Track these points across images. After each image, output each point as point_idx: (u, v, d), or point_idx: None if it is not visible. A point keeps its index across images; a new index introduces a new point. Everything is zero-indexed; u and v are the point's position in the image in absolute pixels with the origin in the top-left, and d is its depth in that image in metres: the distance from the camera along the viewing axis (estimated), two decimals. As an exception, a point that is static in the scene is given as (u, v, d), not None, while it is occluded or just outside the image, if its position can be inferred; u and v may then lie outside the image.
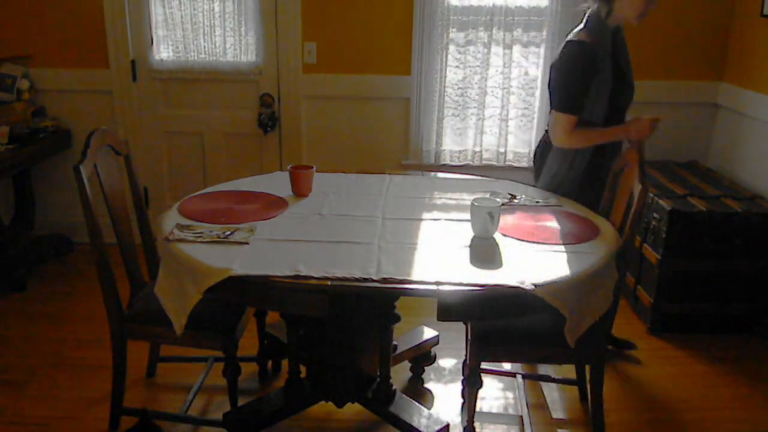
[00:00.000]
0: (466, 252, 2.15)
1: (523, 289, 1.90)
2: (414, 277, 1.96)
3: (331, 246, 2.15)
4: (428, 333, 2.90)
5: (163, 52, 3.97)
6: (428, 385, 2.88)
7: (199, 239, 2.14)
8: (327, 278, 1.93)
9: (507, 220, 2.38)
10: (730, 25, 3.90)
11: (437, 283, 1.93)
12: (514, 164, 4.08)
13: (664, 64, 3.95)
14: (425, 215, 2.47)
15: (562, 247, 2.19)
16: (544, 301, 1.92)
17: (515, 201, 2.61)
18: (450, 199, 2.66)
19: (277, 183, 2.70)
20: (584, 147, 2.68)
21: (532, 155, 4.05)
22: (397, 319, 2.41)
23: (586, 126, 2.65)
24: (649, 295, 3.36)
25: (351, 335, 2.38)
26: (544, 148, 2.87)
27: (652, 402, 2.80)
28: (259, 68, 3.97)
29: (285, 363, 2.78)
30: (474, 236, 2.26)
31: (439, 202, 2.63)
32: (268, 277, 1.93)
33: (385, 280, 1.93)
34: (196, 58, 3.93)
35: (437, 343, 2.92)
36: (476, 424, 2.42)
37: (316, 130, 4.09)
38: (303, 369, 2.52)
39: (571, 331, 2.08)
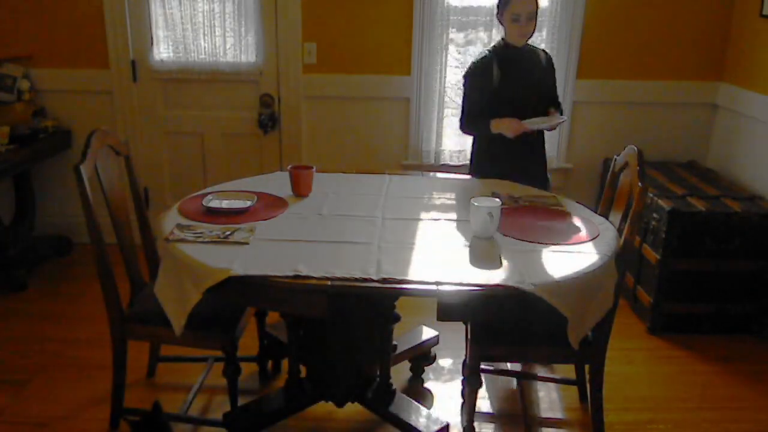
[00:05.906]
0: (466, 252, 2.15)
1: (522, 289, 1.91)
2: (414, 277, 1.96)
3: (331, 246, 2.15)
4: (428, 333, 2.90)
5: (163, 53, 3.97)
6: (428, 385, 2.88)
7: (199, 239, 2.14)
8: (327, 278, 1.93)
9: (507, 220, 2.38)
10: (730, 25, 3.90)
11: (437, 283, 1.93)
12: (514, 164, 4.07)
13: (664, 64, 3.95)
14: (425, 215, 2.47)
15: (562, 247, 2.19)
16: (544, 301, 1.93)
17: (515, 201, 2.61)
18: (450, 199, 2.66)
19: (277, 183, 2.70)
20: None
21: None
22: (397, 319, 2.41)
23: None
24: (649, 295, 3.36)
25: (351, 335, 2.38)
26: None
27: (652, 402, 2.80)
28: (259, 68, 3.97)
29: (285, 363, 2.79)
30: (474, 236, 2.26)
31: (438, 202, 2.63)
32: (268, 277, 1.93)
33: (385, 280, 1.93)
34: (196, 58, 3.93)
35: (437, 343, 2.92)
36: (476, 424, 2.43)
37: (316, 130, 4.09)
38: (303, 369, 2.52)
39: (574, 332, 2.08)
